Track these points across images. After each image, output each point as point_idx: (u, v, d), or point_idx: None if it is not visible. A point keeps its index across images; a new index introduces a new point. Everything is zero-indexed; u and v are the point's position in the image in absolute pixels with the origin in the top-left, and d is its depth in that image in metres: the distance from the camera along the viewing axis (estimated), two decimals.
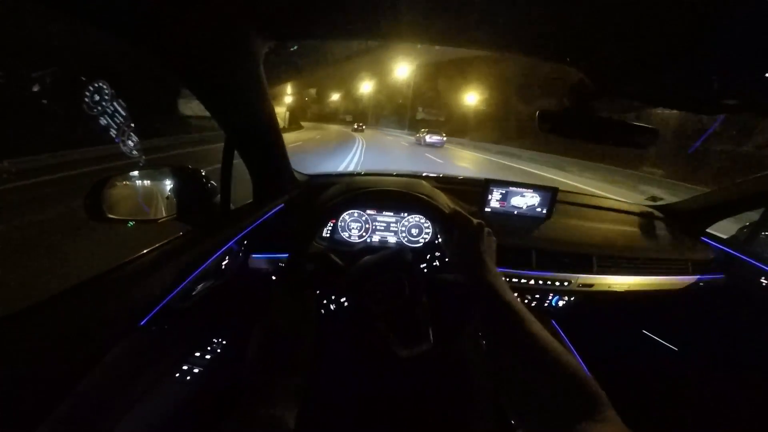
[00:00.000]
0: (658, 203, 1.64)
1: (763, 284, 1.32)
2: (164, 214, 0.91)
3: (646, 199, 1.76)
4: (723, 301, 1.46)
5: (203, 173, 0.96)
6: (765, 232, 1.38)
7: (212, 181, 0.97)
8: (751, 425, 1.29)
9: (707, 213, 1.45)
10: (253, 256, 1.09)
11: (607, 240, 1.35)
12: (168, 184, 0.94)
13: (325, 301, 0.93)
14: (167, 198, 0.93)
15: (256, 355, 0.94)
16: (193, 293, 0.86)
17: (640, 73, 0.76)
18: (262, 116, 0.96)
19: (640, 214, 1.53)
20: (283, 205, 1.15)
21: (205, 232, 0.91)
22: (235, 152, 0.97)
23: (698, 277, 1.41)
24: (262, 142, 1.03)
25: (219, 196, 0.97)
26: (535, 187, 1.34)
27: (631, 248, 1.35)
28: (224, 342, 1.04)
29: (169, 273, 0.76)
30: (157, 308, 0.73)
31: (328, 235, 1.24)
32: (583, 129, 0.96)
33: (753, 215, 1.41)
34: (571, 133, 0.98)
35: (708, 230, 1.49)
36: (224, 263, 0.95)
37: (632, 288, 1.36)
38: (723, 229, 1.50)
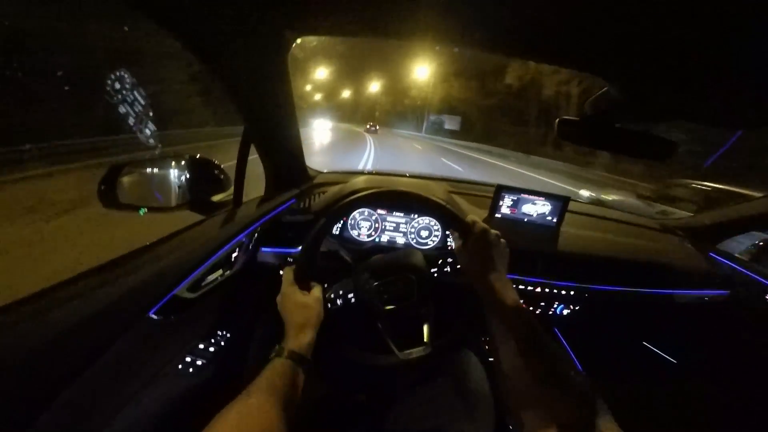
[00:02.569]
0: (669, 217, 1.62)
1: None
2: (177, 204, 0.92)
3: (657, 213, 1.73)
4: (727, 317, 1.45)
5: (217, 164, 0.97)
6: None
7: (226, 173, 0.98)
8: None
9: (717, 229, 1.44)
10: (263, 249, 1.09)
11: (615, 251, 1.34)
12: (182, 174, 0.95)
13: (332, 296, 0.93)
14: (180, 187, 0.94)
15: (261, 347, 0.94)
16: (202, 284, 0.86)
17: (667, 85, 0.75)
18: (283, 109, 0.96)
19: (650, 228, 1.51)
20: (294, 199, 1.15)
21: (217, 223, 0.92)
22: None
23: (703, 291, 1.40)
24: (279, 135, 1.03)
25: (232, 187, 0.98)
26: (547, 196, 1.33)
27: (638, 261, 1.34)
28: (229, 334, 1.05)
29: (179, 263, 0.76)
30: (167, 298, 0.73)
31: (338, 232, 1.24)
32: (603, 139, 0.95)
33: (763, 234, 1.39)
34: (591, 143, 0.97)
35: (718, 246, 1.47)
36: (234, 255, 0.96)
37: (636, 299, 1.35)
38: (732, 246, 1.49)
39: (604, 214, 1.55)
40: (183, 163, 0.95)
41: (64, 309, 0.55)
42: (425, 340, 0.96)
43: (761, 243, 1.40)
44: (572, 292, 1.31)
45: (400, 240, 1.28)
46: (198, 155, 0.96)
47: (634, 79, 0.76)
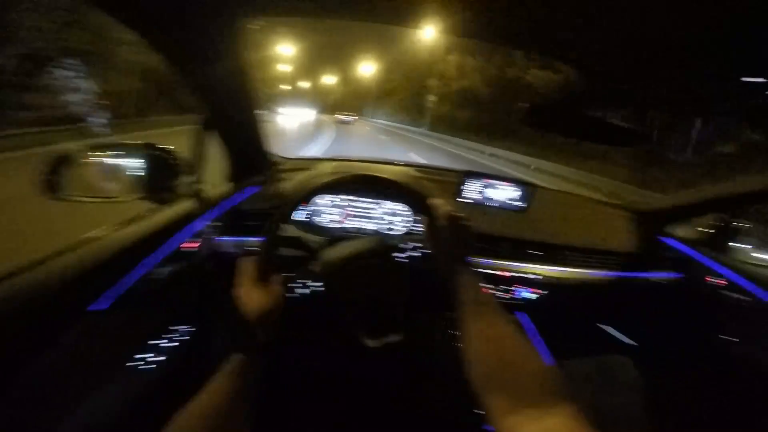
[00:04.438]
0: (630, 203, 1.70)
1: (719, 285, 1.40)
2: (131, 194, 0.87)
3: (611, 197, 1.82)
4: (680, 299, 1.53)
5: (174, 151, 0.92)
6: (723, 234, 1.44)
7: (184, 160, 0.94)
8: (700, 419, 1.37)
9: (672, 213, 1.51)
10: (224, 238, 1.06)
11: (577, 235, 1.39)
12: (137, 162, 0.90)
13: (294, 286, 0.92)
14: (135, 176, 0.90)
15: (224, 339, 0.92)
16: (158, 276, 0.83)
17: (634, 74, 0.78)
18: (243, 95, 0.93)
19: (612, 213, 1.58)
20: (257, 187, 1.12)
21: (173, 212, 0.88)
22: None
23: (656, 274, 1.48)
24: (240, 122, 1.00)
25: (190, 175, 0.94)
26: (512, 181, 1.36)
27: (598, 244, 1.40)
28: (191, 327, 1.02)
29: (129, 254, 0.73)
30: (119, 291, 0.70)
31: (303, 219, 1.22)
32: (569, 125, 0.98)
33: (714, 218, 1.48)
34: (558, 129, 1.00)
35: (670, 230, 1.56)
36: (192, 245, 0.93)
37: (597, 282, 1.41)
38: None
39: (568, 200, 1.60)
40: (137, 151, 0.91)
41: (2, 302, 0.52)
42: (397, 327, 0.97)
43: (710, 227, 1.49)
44: (535, 276, 1.35)
45: (368, 226, 1.28)
46: (153, 143, 0.91)
47: (600, 66, 0.78)
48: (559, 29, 0.63)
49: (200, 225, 0.93)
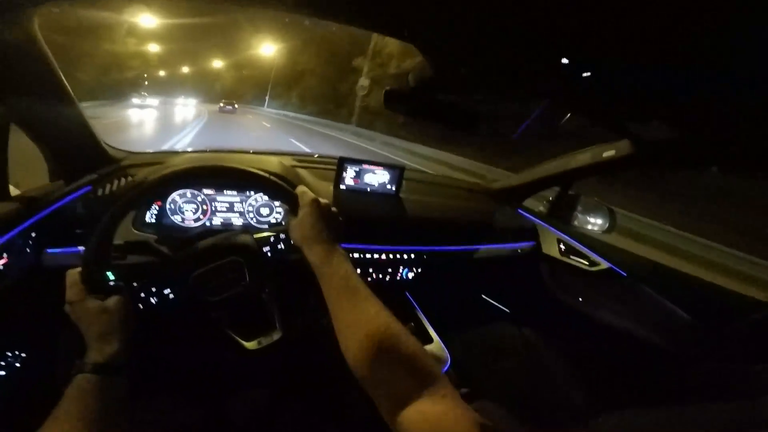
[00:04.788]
0: (489, 181, 1.89)
1: (561, 249, 1.64)
2: None
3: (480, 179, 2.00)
4: (536, 265, 1.76)
5: None
6: (563, 205, 1.68)
7: None
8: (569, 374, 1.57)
9: (523, 189, 1.71)
10: (49, 251, 0.90)
11: (445, 214, 1.50)
12: None
13: (143, 296, 0.81)
14: None
15: (68, 363, 0.79)
16: None
17: (472, 57, 0.83)
18: (49, 86, 0.80)
19: (474, 191, 1.73)
20: (90, 186, 0.96)
21: None
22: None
23: (515, 245, 1.67)
24: (54, 115, 0.86)
25: None
26: (385, 165, 1.40)
27: (463, 221, 1.53)
28: (23, 354, 0.86)
29: None
30: None
31: (153, 220, 1.08)
32: (424, 109, 1.03)
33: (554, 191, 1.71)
34: (414, 112, 1.04)
35: (524, 204, 1.77)
36: (4, 262, 0.76)
37: (467, 255, 1.55)
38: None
39: (434, 180, 1.71)
40: None
41: None
42: (274, 326, 0.93)
43: (555, 198, 1.72)
44: (413, 256, 1.43)
45: (237, 221, 1.21)
46: None
47: (441, 48, 0.81)
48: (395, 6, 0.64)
49: (8, 236, 0.76)
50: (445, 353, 1.29)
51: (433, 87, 0.98)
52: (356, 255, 1.33)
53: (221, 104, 31.65)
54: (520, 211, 1.74)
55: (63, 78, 0.82)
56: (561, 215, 1.67)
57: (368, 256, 1.36)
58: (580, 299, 1.63)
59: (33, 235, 0.84)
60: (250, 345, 0.88)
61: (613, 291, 1.53)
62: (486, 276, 1.80)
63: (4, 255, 0.77)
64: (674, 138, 1.11)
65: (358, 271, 0.70)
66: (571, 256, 1.62)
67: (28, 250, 0.84)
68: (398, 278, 1.48)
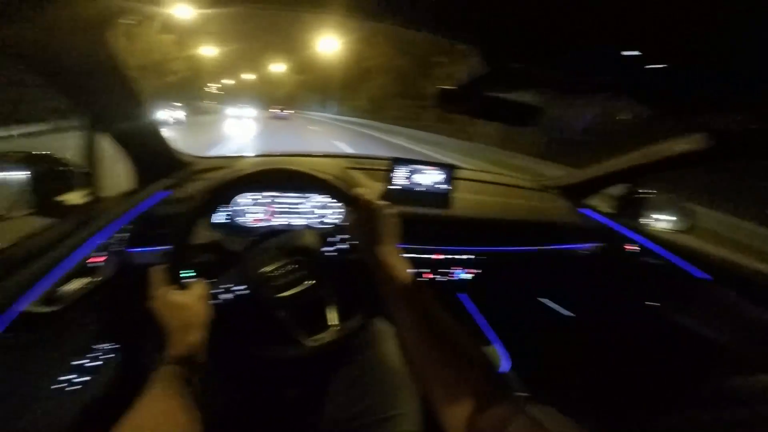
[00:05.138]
0: (547, 178, 1.80)
1: (634, 251, 1.51)
2: (16, 209, 0.80)
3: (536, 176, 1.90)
4: (603, 267, 1.64)
5: (63, 158, 0.85)
6: (633, 203, 1.55)
7: (77, 168, 0.87)
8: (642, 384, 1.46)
9: (586, 186, 1.60)
10: (135, 249, 1.00)
11: (501, 213, 1.45)
12: (21, 175, 0.82)
13: (218, 291, 0.88)
14: (22, 190, 0.82)
15: (151, 356, 0.88)
16: (62, 295, 0.77)
17: (529, 54, 0.81)
18: (127, 94, 0.88)
19: (530, 189, 1.66)
20: (168, 190, 1.06)
21: (70, 225, 0.82)
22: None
23: (581, 245, 1.57)
24: (132, 122, 0.94)
25: (87, 184, 0.87)
26: (436, 165, 1.39)
27: (521, 220, 1.47)
28: (112, 346, 0.97)
29: (28, 273, 0.69)
30: (13, 314, 0.65)
31: (224, 221, 1.17)
32: (477, 107, 1.01)
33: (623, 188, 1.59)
34: (467, 111, 1.03)
35: (588, 202, 1.66)
36: (99, 260, 0.87)
37: (527, 257, 1.48)
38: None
39: (488, 179, 1.65)
40: (20, 162, 0.83)
41: None
42: (332, 323, 0.96)
43: (624, 195, 1.61)
44: (468, 256, 1.40)
45: (298, 221, 1.26)
46: (39, 151, 0.84)
47: (501, 48, 0.80)
48: (466, 10, 0.63)
49: (103, 237, 0.86)
50: (503, 356, 1.26)
51: (490, 84, 0.97)
52: (408, 255, 1.33)
53: (273, 110, 31.32)
54: (583, 210, 1.64)
55: (137, 87, 0.89)
56: (631, 214, 1.54)
57: (421, 256, 1.35)
58: (654, 303, 1.50)
59: (121, 235, 0.94)
60: (308, 342, 0.92)
61: (694, 295, 1.40)
62: (546, 278, 1.71)
63: (100, 253, 0.87)
64: (756, 129, 0.99)
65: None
66: (644, 258, 1.50)
67: (119, 249, 0.95)
68: (452, 279, 1.46)
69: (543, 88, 1.06)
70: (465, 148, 15.11)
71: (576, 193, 1.63)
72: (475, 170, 1.69)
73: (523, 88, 1.09)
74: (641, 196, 1.53)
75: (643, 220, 1.52)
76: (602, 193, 1.63)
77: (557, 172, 1.82)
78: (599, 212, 1.61)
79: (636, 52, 0.67)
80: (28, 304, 0.68)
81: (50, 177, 0.84)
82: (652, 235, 1.48)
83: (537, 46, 0.74)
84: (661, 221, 1.51)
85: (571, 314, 1.80)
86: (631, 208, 1.55)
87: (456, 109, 1.03)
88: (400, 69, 29.01)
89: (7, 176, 0.81)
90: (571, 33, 0.63)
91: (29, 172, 0.82)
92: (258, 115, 30.27)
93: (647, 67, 0.71)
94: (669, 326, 1.42)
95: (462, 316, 1.42)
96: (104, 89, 0.82)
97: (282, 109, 31.34)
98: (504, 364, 1.26)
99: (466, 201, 1.42)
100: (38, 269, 0.72)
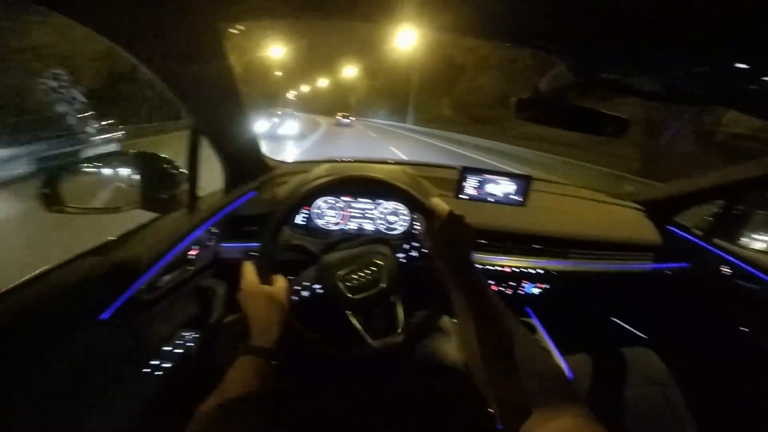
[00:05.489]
0: (629, 193, 1.69)
1: (727, 274, 1.37)
2: (128, 203, 0.88)
3: (619, 191, 1.79)
4: (689, 290, 1.51)
5: (168, 159, 0.93)
6: (729, 222, 1.42)
7: (179, 167, 0.94)
8: (719, 414, 1.35)
9: (674, 202, 1.49)
10: (224, 245, 1.06)
11: (580, 228, 1.38)
12: (131, 172, 0.90)
13: (298, 288, 0.92)
14: (131, 186, 0.90)
15: (230, 345, 0.92)
16: (161, 284, 0.83)
17: (619, 63, 0.78)
18: (229, 100, 0.93)
19: (611, 204, 1.56)
20: (253, 191, 1.12)
21: (171, 220, 0.88)
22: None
23: (665, 265, 1.46)
24: (229, 127, 1.00)
25: (186, 183, 0.94)
26: (510, 175, 1.35)
27: (601, 236, 1.39)
28: (196, 334, 1.02)
29: (132, 263, 0.74)
30: (122, 300, 0.71)
31: (303, 222, 1.22)
32: (557, 117, 0.98)
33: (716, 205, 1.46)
34: (546, 121, 1.00)
35: (675, 219, 1.54)
36: (193, 253, 0.93)
37: (603, 275, 1.40)
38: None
39: (565, 191, 1.58)
40: (131, 160, 0.91)
41: (12, 312, 0.54)
42: (398, 327, 0.97)
43: (716, 215, 1.48)
44: (540, 271, 1.34)
45: (368, 226, 1.29)
46: (146, 151, 0.91)
47: (586, 56, 0.78)
48: (549, 21, 0.62)
49: (199, 232, 0.92)
50: (567, 373, 1.20)
51: (570, 93, 0.93)
52: (477, 266, 1.30)
53: (338, 117, 30.92)
54: (671, 227, 1.52)
55: (240, 95, 0.95)
56: (726, 234, 1.41)
57: (490, 267, 1.32)
58: (748, 330, 1.35)
59: (214, 231, 1.01)
60: (375, 344, 0.92)
61: None
62: (621, 297, 1.60)
63: (196, 247, 0.93)
64: None
65: None
66: (737, 281, 1.36)
67: (210, 244, 1.01)
68: (521, 293, 1.41)
69: (643, 99, 1.01)
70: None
71: (666, 209, 1.52)
72: (553, 182, 1.63)
73: (611, 97, 1.04)
74: (738, 214, 1.40)
75: (739, 241, 1.39)
76: (689, 210, 1.50)
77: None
78: (688, 231, 1.49)
79: (744, 65, 0.62)
80: (133, 291, 0.74)
81: (157, 175, 0.91)
82: (748, 258, 1.34)
83: (638, 55, 0.71)
84: (760, 242, 1.38)
85: (643, 335, 1.68)
86: (726, 228, 1.42)
87: (532, 118, 1.01)
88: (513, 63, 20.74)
89: (122, 173, 0.90)
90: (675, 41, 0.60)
91: (140, 171, 0.90)
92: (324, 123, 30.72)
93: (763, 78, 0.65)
94: (760, 355, 1.29)
95: (529, 328, 1.36)
96: (211, 92, 0.88)
97: (345, 117, 30.95)
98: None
99: (542, 214, 1.37)
100: (146, 260, 0.78)
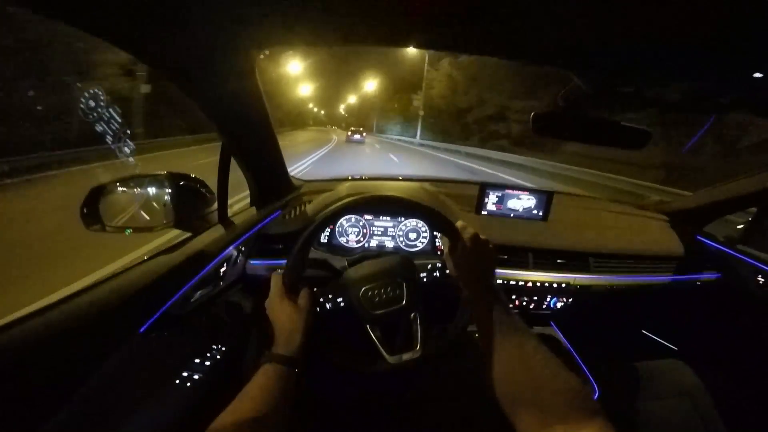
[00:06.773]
0: (655, 203, 1.65)
1: (760, 282, 1.32)
2: (161, 222, 0.91)
3: (644, 201, 1.76)
4: (720, 300, 1.46)
5: (199, 179, 0.96)
6: (760, 230, 1.38)
7: (209, 187, 0.97)
8: (752, 424, 1.29)
9: (702, 212, 1.46)
10: (251, 262, 1.09)
11: (604, 240, 1.36)
12: (165, 191, 0.94)
13: (321, 301, 0.94)
14: (164, 205, 0.93)
15: (255, 357, 0.93)
16: (192, 300, 0.86)
17: (635, 74, 0.78)
18: (258, 122, 0.97)
19: (636, 215, 1.54)
20: (279, 210, 1.15)
21: (204, 239, 0.91)
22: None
23: (694, 276, 1.42)
24: (258, 148, 1.04)
25: (216, 202, 0.97)
26: (531, 190, 1.35)
27: (627, 248, 1.36)
28: (223, 347, 1.04)
29: (167, 280, 0.76)
30: (157, 315, 0.73)
31: (326, 240, 1.24)
32: (576, 130, 0.98)
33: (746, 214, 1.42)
34: (565, 135, 1.00)
35: (705, 228, 1.50)
36: (222, 270, 0.95)
37: (629, 288, 1.36)
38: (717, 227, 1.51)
39: (589, 204, 1.57)
40: (165, 180, 0.94)
41: (55, 327, 0.55)
42: (416, 344, 0.97)
43: (747, 223, 1.43)
44: (564, 285, 1.32)
45: (389, 244, 1.30)
46: (178, 172, 0.95)
47: (603, 70, 0.78)
48: (561, 37, 0.63)
49: (230, 250, 0.95)
50: (593, 386, 1.17)
51: (588, 107, 0.94)
52: (499, 281, 1.30)
53: (349, 133, 29.09)
54: (700, 237, 1.48)
55: (269, 117, 0.99)
56: (760, 243, 1.37)
57: (512, 282, 1.31)
58: None
59: (243, 249, 1.03)
60: (392, 359, 0.92)
61: None
62: (651, 309, 1.56)
63: (225, 264, 0.96)
64: None
65: None
66: None
67: (239, 261, 1.03)
68: (544, 307, 1.39)
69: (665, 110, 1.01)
70: None
71: (694, 218, 1.48)
72: (575, 195, 1.61)
73: (631, 109, 1.04)
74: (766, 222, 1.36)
75: None
76: (718, 219, 1.46)
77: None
78: (718, 241, 1.45)
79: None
80: (167, 306, 0.77)
81: (189, 195, 0.95)
82: None
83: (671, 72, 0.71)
84: None
85: (673, 347, 1.64)
86: (758, 236, 1.38)
87: (551, 133, 1.01)
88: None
89: (154, 192, 0.94)
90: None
91: (171, 190, 0.94)
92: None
93: None
94: None
95: (552, 345, 1.34)
96: (242, 114, 0.91)
97: (355, 133, 28.54)
98: (593, 393, 1.16)
99: (564, 227, 1.36)
100: (180, 277, 0.80)
